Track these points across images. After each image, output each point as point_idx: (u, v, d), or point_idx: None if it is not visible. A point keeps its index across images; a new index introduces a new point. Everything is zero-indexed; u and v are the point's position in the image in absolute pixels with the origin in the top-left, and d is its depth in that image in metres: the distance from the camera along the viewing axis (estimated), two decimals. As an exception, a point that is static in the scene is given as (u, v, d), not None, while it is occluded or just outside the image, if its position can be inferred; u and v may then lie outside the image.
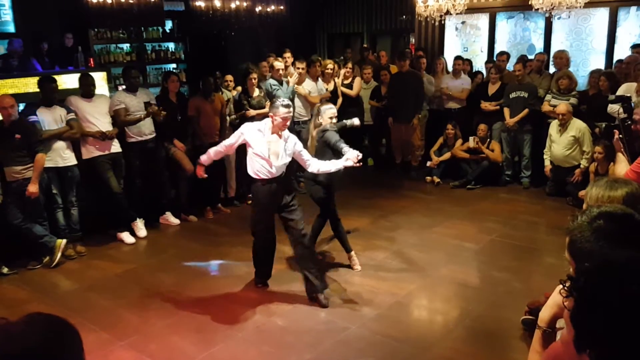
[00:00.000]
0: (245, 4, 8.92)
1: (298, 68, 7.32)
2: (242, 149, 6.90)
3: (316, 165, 4.45)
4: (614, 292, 1.18)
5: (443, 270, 5.03)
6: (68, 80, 6.93)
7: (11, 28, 8.54)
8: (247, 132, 4.39)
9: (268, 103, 6.81)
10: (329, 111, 4.79)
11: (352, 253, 5.09)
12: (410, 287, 4.70)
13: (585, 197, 2.18)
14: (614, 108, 6.29)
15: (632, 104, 4.14)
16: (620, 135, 3.69)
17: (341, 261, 5.22)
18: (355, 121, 5.33)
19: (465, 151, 7.74)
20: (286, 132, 4.40)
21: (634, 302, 1.15)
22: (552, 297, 1.70)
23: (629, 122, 3.75)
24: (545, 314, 1.68)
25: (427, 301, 4.61)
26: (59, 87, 5.84)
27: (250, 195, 4.83)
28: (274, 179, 4.35)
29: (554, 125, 6.96)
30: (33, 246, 5.27)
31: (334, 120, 4.80)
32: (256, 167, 4.35)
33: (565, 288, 1.33)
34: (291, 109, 4.39)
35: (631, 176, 3.08)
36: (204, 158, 4.71)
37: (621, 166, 3.56)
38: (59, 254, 5.28)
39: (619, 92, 6.30)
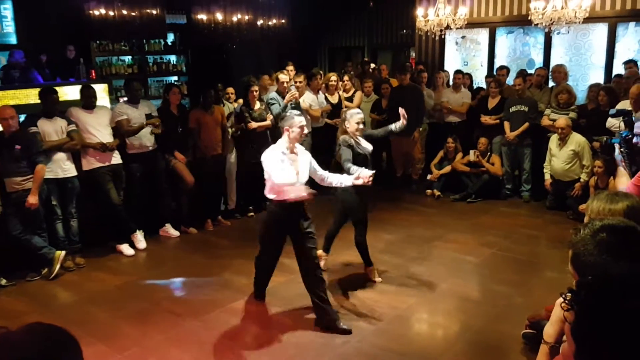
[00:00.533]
0: (247, 17, 8.99)
1: (296, 82, 7.34)
2: (241, 163, 6.93)
3: (329, 179, 4.38)
4: (615, 306, 1.17)
5: (444, 284, 5.01)
6: (69, 92, 6.97)
7: (13, 39, 8.60)
8: (279, 159, 4.10)
9: (269, 116, 6.84)
10: (357, 116, 4.74)
11: (373, 267, 5.10)
12: (411, 301, 4.68)
13: (586, 210, 2.19)
14: (612, 122, 6.32)
15: (633, 118, 4.14)
16: (622, 149, 3.69)
17: (340, 275, 5.20)
18: (398, 124, 5.11)
19: (466, 165, 7.76)
20: (299, 148, 4.26)
21: (634, 316, 1.15)
22: (555, 313, 1.69)
23: (630, 136, 3.75)
24: (550, 330, 1.68)
25: (427, 315, 4.59)
26: (60, 99, 5.86)
27: (266, 212, 4.46)
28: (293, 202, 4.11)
29: (553, 139, 6.97)
30: (32, 257, 5.25)
31: (361, 126, 4.74)
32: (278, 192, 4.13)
33: (566, 301, 1.32)
34: (303, 117, 4.28)
35: (632, 190, 3.08)
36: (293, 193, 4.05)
37: (622, 180, 3.56)
38: (58, 266, 5.26)
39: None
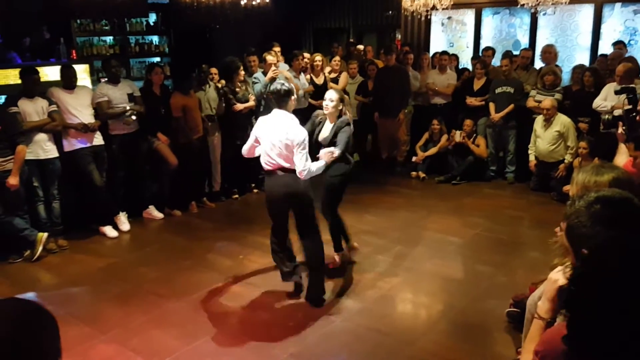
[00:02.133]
0: (230, -4, 8.83)
1: (273, 51, 7.24)
2: (226, 145, 6.86)
3: None
4: (609, 278, 1.20)
5: (427, 264, 5.04)
6: (50, 73, 6.83)
7: (-9, 19, 8.39)
8: None
9: (251, 96, 6.79)
10: (326, 95, 4.72)
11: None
12: (395, 281, 4.70)
13: (572, 183, 2.19)
14: (598, 103, 6.34)
15: (638, 96, 4.11)
16: (624, 127, 3.68)
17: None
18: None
19: (452, 146, 7.74)
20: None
21: (625, 285, 1.18)
22: (548, 289, 1.69)
23: (634, 114, 3.73)
24: (545, 305, 1.68)
25: (411, 295, 4.61)
26: (41, 79, 5.74)
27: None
28: None
29: (538, 121, 6.99)
30: (14, 239, 5.18)
31: (325, 103, 4.62)
32: None
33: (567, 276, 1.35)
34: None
35: (628, 169, 3.08)
36: None
37: (622, 157, 3.57)
38: (40, 248, 5.20)
39: (603, 92, 6.32)
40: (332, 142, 4.54)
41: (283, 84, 4.13)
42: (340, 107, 4.61)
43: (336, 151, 4.35)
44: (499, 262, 5.03)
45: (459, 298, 4.37)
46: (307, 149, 4.02)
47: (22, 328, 1.20)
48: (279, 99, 4.09)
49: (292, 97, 4.14)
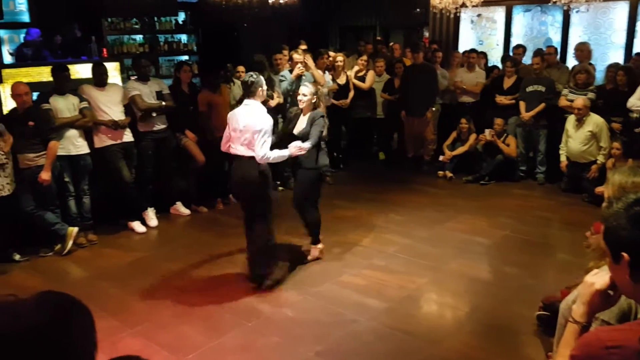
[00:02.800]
0: (258, -5, 8.86)
1: (300, 49, 7.29)
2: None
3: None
4: None
5: (454, 265, 4.98)
6: (81, 70, 6.95)
7: (26, 18, 8.58)
8: None
9: (274, 94, 6.80)
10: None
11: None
12: (421, 281, 4.65)
13: (607, 184, 2.14)
14: (632, 102, 6.19)
15: None
16: None
17: (348, 254, 5.19)
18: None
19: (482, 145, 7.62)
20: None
21: None
22: (583, 292, 1.64)
23: None
24: (581, 309, 1.63)
25: (437, 295, 4.56)
26: (72, 77, 5.84)
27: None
28: None
29: (570, 120, 6.84)
30: (45, 234, 5.29)
31: (299, 98, 4.79)
32: None
33: None
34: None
35: None
36: None
37: None
38: (71, 242, 5.30)
39: (638, 91, 6.18)
40: (307, 134, 4.66)
41: (252, 76, 4.41)
42: (314, 101, 4.75)
43: (305, 145, 4.47)
44: (528, 264, 4.94)
45: (486, 299, 4.31)
46: (269, 137, 4.26)
47: (58, 321, 1.21)
48: (247, 89, 4.39)
49: (260, 88, 4.37)
